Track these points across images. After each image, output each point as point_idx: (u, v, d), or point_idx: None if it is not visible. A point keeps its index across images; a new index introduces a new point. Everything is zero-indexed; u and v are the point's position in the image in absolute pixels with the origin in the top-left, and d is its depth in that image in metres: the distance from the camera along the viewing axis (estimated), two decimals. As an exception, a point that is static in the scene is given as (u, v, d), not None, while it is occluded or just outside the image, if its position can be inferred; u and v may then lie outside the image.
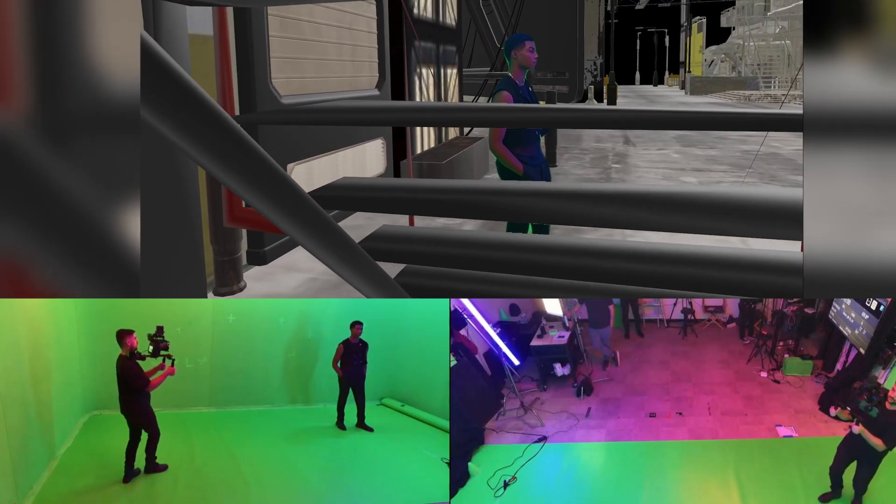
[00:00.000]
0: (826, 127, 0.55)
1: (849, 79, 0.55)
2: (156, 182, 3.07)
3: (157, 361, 2.85)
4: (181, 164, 3.34)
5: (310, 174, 6.36)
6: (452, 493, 2.92)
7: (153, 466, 2.88)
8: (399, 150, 8.72)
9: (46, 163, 0.44)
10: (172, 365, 2.86)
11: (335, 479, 3.16)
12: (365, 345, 3.77)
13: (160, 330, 2.85)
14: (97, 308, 3.44)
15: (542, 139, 4.83)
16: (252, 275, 5.18)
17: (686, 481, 3.03)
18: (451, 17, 11.55)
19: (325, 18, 6.78)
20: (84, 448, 3.14)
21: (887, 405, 2.47)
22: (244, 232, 5.12)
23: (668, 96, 42.70)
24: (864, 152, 0.56)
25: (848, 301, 3.75)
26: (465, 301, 3.93)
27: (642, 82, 70.88)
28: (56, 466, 2.87)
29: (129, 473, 2.83)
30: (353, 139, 7.38)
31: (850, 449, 2.58)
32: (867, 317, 3.51)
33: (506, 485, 3.03)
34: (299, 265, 5.50)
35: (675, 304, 5.37)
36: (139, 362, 2.80)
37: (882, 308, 3.36)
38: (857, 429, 2.51)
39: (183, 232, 3.37)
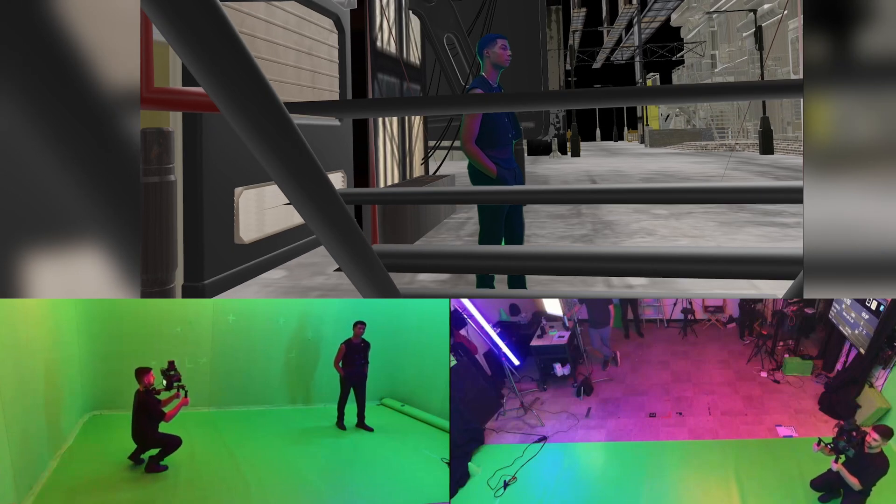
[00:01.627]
0: (826, 131, 0.55)
1: (848, 80, 0.55)
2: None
3: (171, 393, 3.00)
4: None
5: (260, 200, 6.06)
6: (452, 493, 2.92)
7: (154, 466, 2.90)
8: (361, 184, 8.39)
9: (48, 165, 0.44)
10: (186, 396, 3.00)
11: (335, 479, 3.16)
12: (367, 344, 3.78)
13: (172, 364, 3.01)
14: (97, 308, 3.44)
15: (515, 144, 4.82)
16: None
17: (686, 481, 3.03)
18: (415, 55, 11.41)
19: (284, 40, 6.47)
20: (84, 448, 3.14)
21: (865, 448, 2.52)
22: (180, 260, 4.59)
23: (630, 149, 43.54)
24: (864, 154, 0.56)
25: (848, 301, 3.75)
26: (465, 301, 3.93)
27: (603, 138, 72.57)
28: (56, 466, 2.88)
29: (136, 458, 2.92)
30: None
31: (835, 480, 2.62)
32: (867, 317, 3.51)
33: (506, 485, 3.03)
34: (245, 302, 4.72)
35: (675, 304, 5.37)
36: (156, 396, 2.94)
37: (882, 308, 3.36)
38: (836, 466, 2.57)
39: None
